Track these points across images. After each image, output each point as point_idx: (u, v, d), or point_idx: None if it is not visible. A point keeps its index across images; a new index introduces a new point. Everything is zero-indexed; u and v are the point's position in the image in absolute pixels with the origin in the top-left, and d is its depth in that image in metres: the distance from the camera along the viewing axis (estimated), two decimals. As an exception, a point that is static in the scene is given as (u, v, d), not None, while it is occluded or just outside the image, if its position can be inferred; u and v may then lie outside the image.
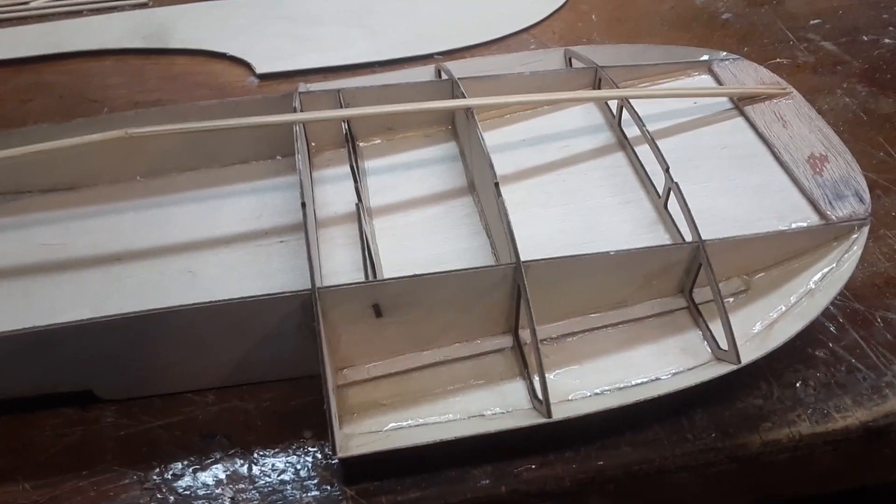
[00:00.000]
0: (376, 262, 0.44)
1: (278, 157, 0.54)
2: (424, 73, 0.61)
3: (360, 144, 0.53)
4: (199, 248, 0.48)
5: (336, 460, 0.39)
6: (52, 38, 0.71)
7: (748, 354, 0.40)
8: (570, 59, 0.60)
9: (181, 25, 0.72)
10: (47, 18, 0.75)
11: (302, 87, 0.53)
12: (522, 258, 0.39)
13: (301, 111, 0.50)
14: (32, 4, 0.76)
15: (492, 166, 0.43)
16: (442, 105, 0.50)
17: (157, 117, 0.48)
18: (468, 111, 0.48)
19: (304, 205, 0.42)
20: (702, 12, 0.76)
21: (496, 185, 0.43)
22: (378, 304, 0.40)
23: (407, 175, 0.52)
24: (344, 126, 0.50)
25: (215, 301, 0.38)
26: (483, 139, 0.45)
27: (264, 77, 0.66)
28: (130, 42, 0.70)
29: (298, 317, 0.40)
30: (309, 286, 0.44)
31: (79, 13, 0.75)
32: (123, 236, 0.48)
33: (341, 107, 0.51)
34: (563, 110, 0.56)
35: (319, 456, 0.40)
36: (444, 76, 0.57)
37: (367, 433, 0.39)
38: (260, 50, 0.69)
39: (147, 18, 0.74)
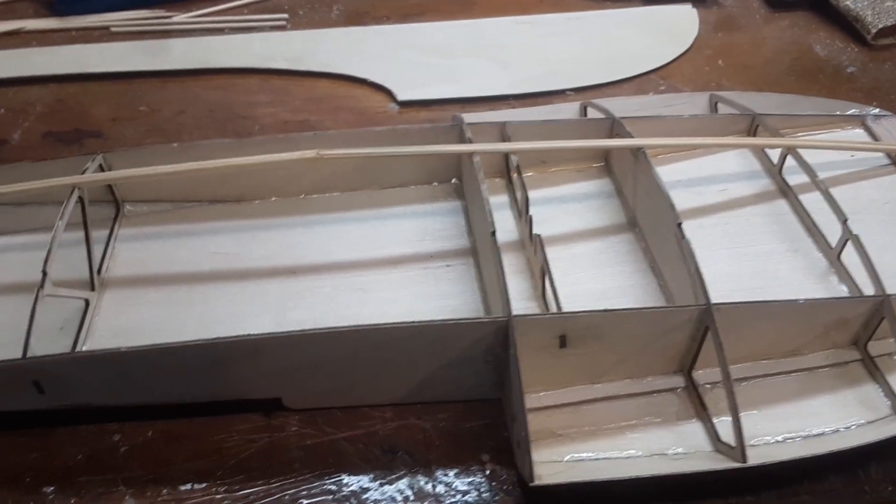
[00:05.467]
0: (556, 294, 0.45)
1: (435, 183, 0.55)
2: (567, 109, 0.63)
3: (514, 176, 0.55)
4: (367, 266, 0.49)
5: (519, 488, 0.39)
6: (198, 53, 0.74)
7: (934, 412, 0.40)
8: (715, 104, 0.61)
9: (319, 49, 0.75)
10: (189, 34, 0.78)
11: (465, 117, 0.55)
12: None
13: (471, 142, 0.51)
14: (175, 19, 0.79)
15: (673, 207, 0.44)
16: (615, 143, 0.51)
17: (338, 140, 0.50)
18: (637, 150, 0.49)
19: (493, 234, 0.44)
20: (826, 64, 0.76)
21: (679, 225, 0.43)
22: (565, 334, 0.41)
23: (563, 208, 0.53)
24: (514, 159, 0.52)
25: (417, 322, 0.39)
26: (660, 179, 0.46)
27: (404, 104, 0.68)
28: (274, 62, 0.72)
29: (489, 342, 0.41)
30: (483, 312, 0.46)
31: (220, 31, 0.78)
32: (295, 250, 0.50)
33: (505, 139, 0.53)
34: (715, 154, 0.56)
35: (500, 481, 0.40)
36: (592, 113, 0.59)
37: (547, 462, 0.40)
38: (396, 77, 0.70)
39: (286, 40, 0.76)
